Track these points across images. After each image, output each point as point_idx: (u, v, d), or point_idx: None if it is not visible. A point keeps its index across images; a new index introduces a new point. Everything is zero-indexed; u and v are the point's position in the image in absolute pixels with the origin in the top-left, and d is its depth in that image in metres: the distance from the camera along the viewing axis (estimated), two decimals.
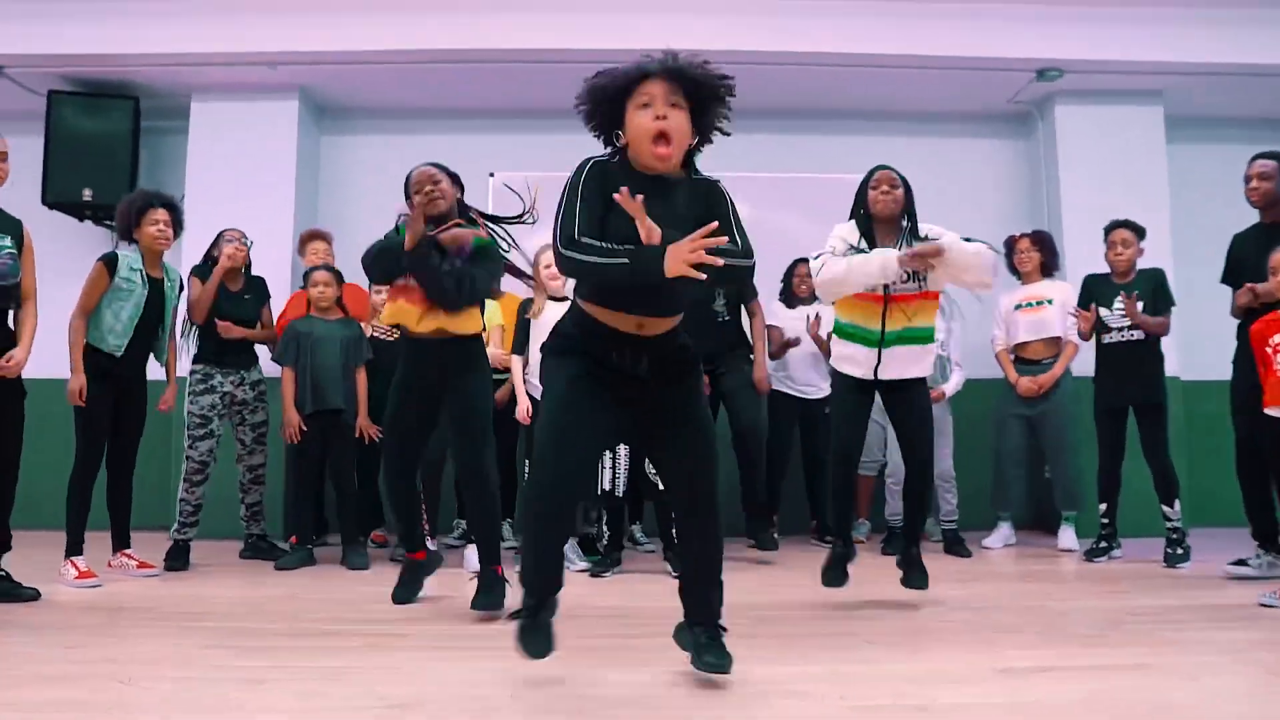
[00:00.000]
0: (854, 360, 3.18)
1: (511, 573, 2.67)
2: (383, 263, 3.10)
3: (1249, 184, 3.85)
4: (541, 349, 2.26)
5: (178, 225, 3.98)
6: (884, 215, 3.14)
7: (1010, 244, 4.90)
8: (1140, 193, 5.47)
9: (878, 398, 3.25)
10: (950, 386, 4.70)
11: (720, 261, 1.92)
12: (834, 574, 3.23)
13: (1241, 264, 3.80)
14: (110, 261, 3.78)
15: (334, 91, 5.70)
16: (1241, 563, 3.73)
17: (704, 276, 1.92)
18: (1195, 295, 4.84)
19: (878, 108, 5.91)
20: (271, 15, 5.16)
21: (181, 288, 4.11)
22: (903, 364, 3.14)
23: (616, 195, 1.97)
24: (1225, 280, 3.96)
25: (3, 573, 3.28)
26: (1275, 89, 5.48)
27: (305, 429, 4.25)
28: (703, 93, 2.11)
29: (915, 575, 3.20)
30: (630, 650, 2.58)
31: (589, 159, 2.15)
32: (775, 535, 4.47)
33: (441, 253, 3.04)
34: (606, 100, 2.13)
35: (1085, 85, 5.47)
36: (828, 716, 1.96)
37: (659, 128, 2.04)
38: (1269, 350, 3.25)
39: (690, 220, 2.05)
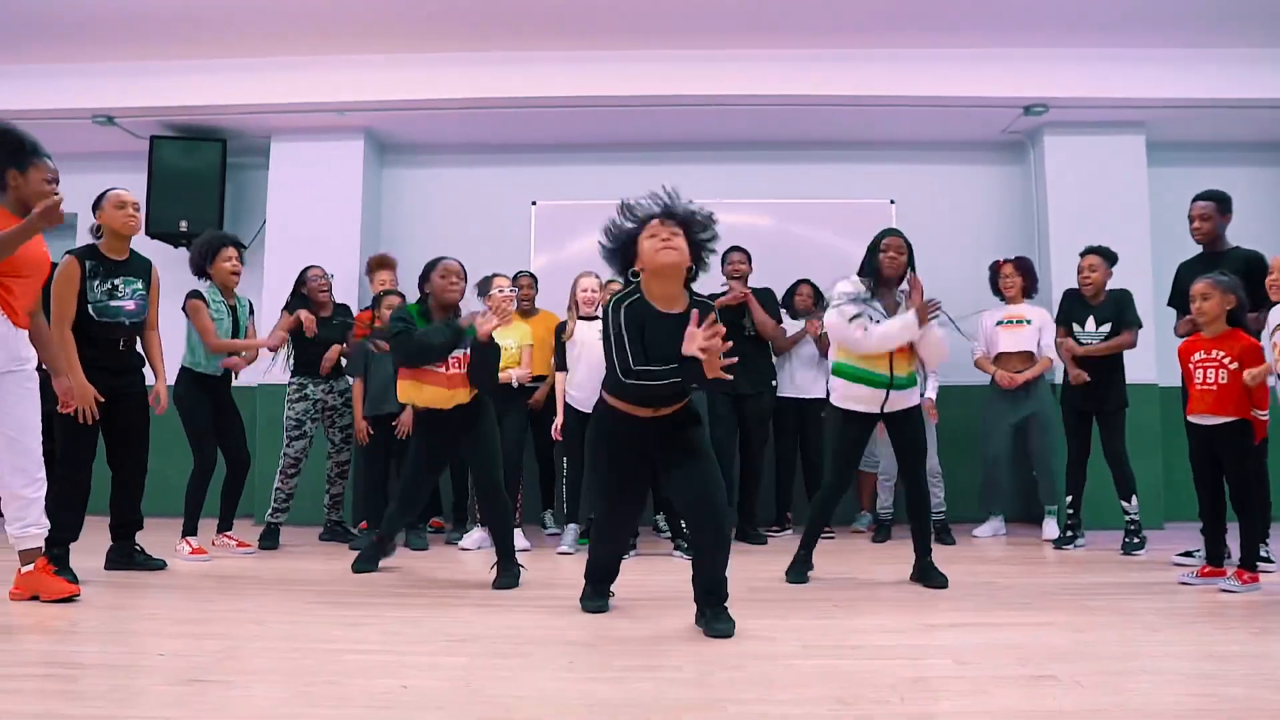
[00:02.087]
0: (860, 399, 3.74)
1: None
2: (433, 355, 3.72)
3: (1191, 223, 4.36)
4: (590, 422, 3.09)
5: (243, 260, 4.68)
6: (891, 276, 3.75)
7: (995, 268, 5.44)
8: (1123, 214, 6.00)
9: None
10: (931, 390, 5.27)
11: (733, 360, 2.69)
12: (797, 573, 3.84)
13: (1183, 289, 4.32)
14: (201, 297, 4.45)
15: (394, 131, 6.43)
16: (1188, 554, 4.25)
17: (730, 377, 2.70)
18: (1173, 311, 5.30)
19: (884, 140, 6.49)
20: (339, 70, 5.91)
21: (252, 310, 4.78)
22: (904, 399, 3.77)
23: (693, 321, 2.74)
24: (1171, 303, 4.49)
25: (138, 546, 4.03)
26: (1246, 118, 5.95)
27: (372, 431, 4.97)
28: (693, 226, 2.86)
29: (935, 578, 3.70)
30: (638, 608, 3.23)
31: (617, 303, 2.84)
32: (764, 533, 5.15)
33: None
34: (625, 238, 2.88)
35: (1071, 118, 5.99)
36: (783, 653, 2.59)
37: (664, 245, 2.78)
38: (1190, 366, 3.79)
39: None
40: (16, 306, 3.12)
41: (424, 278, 3.90)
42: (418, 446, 3.95)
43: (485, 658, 2.50)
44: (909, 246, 3.80)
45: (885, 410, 3.74)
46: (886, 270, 3.73)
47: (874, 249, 3.78)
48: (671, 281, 2.83)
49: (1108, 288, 4.92)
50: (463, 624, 2.94)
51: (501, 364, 4.86)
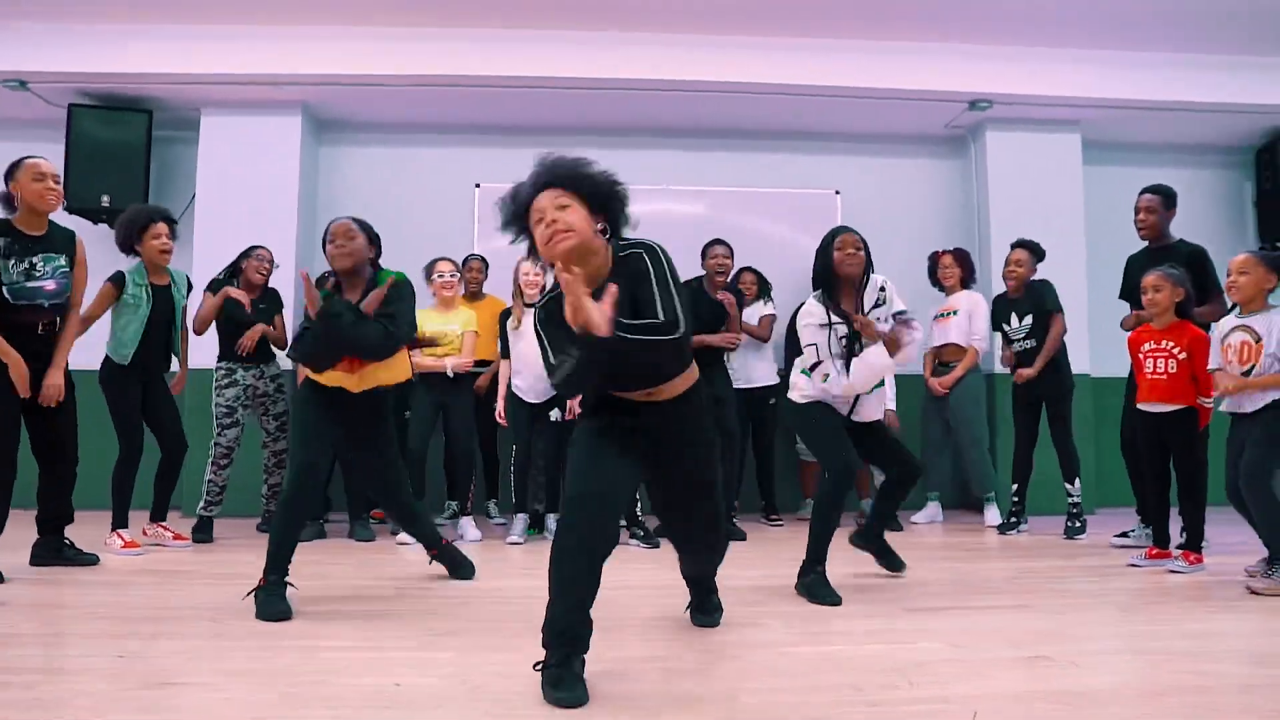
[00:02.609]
0: (832, 398, 3.33)
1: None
2: (316, 347, 3.03)
3: (1137, 215, 4.50)
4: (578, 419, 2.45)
5: (174, 236, 4.32)
6: (848, 276, 3.29)
7: (934, 258, 5.54)
8: (1059, 209, 6.18)
9: None
10: (890, 401, 5.29)
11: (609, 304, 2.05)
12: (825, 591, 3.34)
13: (1133, 283, 4.45)
14: (119, 282, 4.15)
15: (333, 108, 6.16)
16: (1124, 534, 4.41)
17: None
18: (1106, 302, 5.43)
19: (832, 130, 6.52)
20: (275, 40, 5.61)
21: (190, 287, 4.51)
22: (872, 408, 3.43)
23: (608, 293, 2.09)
24: (1122, 296, 4.62)
25: (67, 541, 3.76)
26: (1179, 120, 6.20)
27: None
28: (591, 184, 2.25)
29: (891, 559, 3.64)
30: (618, 600, 3.13)
31: (538, 307, 2.31)
32: (738, 526, 5.04)
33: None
34: (516, 228, 2.31)
35: (1012, 114, 6.13)
36: (777, 641, 2.56)
37: (550, 232, 2.16)
38: (1140, 356, 3.91)
39: (627, 299, 2.16)
40: None
41: (323, 246, 3.22)
42: (304, 416, 3.17)
43: (475, 652, 2.40)
44: (865, 244, 3.35)
45: (852, 419, 3.39)
46: (844, 270, 3.29)
47: (826, 249, 3.34)
48: (587, 258, 2.20)
49: (1031, 280, 5.02)
50: (439, 617, 2.82)
51: (441, 350, 4.77)
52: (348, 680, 2.12)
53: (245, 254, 4.86)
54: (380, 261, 3.68)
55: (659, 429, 2.32)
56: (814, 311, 3.32)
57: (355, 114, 6.25)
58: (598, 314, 2.01)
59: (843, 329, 3.29)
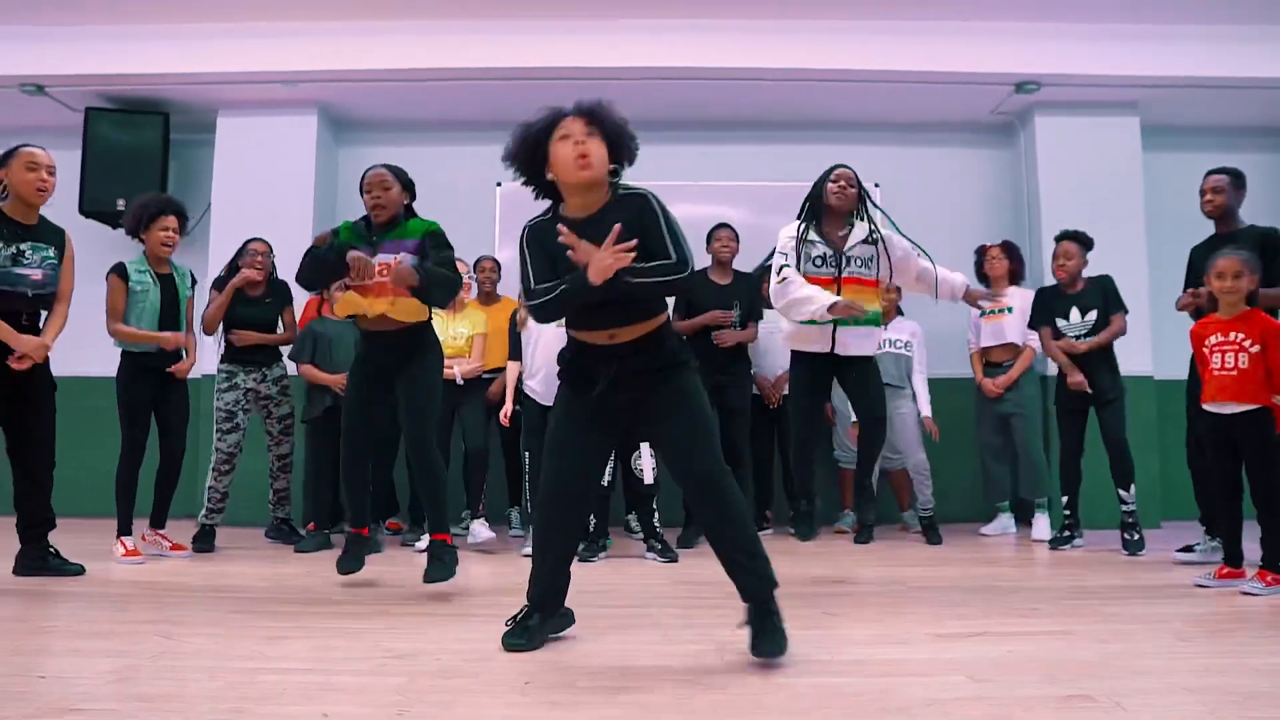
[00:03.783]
0: (810, 338, 3.52)
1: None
2: (316, 271, 3.34)
3: (1203, 197, 4.09)
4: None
5: (183, 230, 4.24)
6: (837, 208, 3.51)
7: (981, 253, 5.17)
8: (1116, 199, 5.74)
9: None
10: (925, 408, 5.07)
11: (629, 259, 2.21)
12: (804, 529, 3.64)
13: (1198, 273, 4.04)
14: (120, 271, 4.05)
15: (350, 107, 6.04)
16: (1188, 549, 3.99)
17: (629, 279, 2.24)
18: (1169, 298, 4.95)
19: (870, 119, 6.19)
20: (291, 38, 5.51)
21: (194, 281, 4.37)
22: (858, 341, 3.51)
23: (561, 238, 2.29)
24: (1187, 289, 4.20)
25: (52, 549, 3.61)
26: (1246, 99, 5.72)
27: (323, 422, 4.58)
28: (614, 127, 2.39)
29: (866, 508, 3.80)
30: (605, 619, 2.87)
31: (525, 225, 2.45)
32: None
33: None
34: (532, 141, 2.38)
35: (1063, 97, 5.72)
36: (770, 668, 2.25)
37: (579, 152, 2.30)
38: (1206, 350, 3.51)
39: (627, 234, 2.26)
40: None
41: (361, 194, 3.42)
42: (350, 374, 3.46)
43: (426, 677, 2.14)
44: (860, 183, 3.60)
45: (836, 352, 3.47)
46: (832, 201, 3.53)
47: (821, 180, 3.58)
48: (592, 191, 2.37)
49: (1085, 274, 4.62)
50: (406, 636, 2.57)
51: (449, 355, 4.56)
52: (270, 709, 1.88)
53: (241, 250, 4.72)
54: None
55: (630, 384, 2.37)
56: (790, 227, 3.58)
57: (373, 113, 6.12)
58: (609, 259, 2.20)
59: (819, 249, 3.49)
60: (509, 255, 5.55)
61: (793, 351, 3.63)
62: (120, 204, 5.62)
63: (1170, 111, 5.88)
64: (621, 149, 2.42)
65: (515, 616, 2.46)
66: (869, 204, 3.69)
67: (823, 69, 5.53)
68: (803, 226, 3.56)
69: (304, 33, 5.52)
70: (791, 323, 3.56)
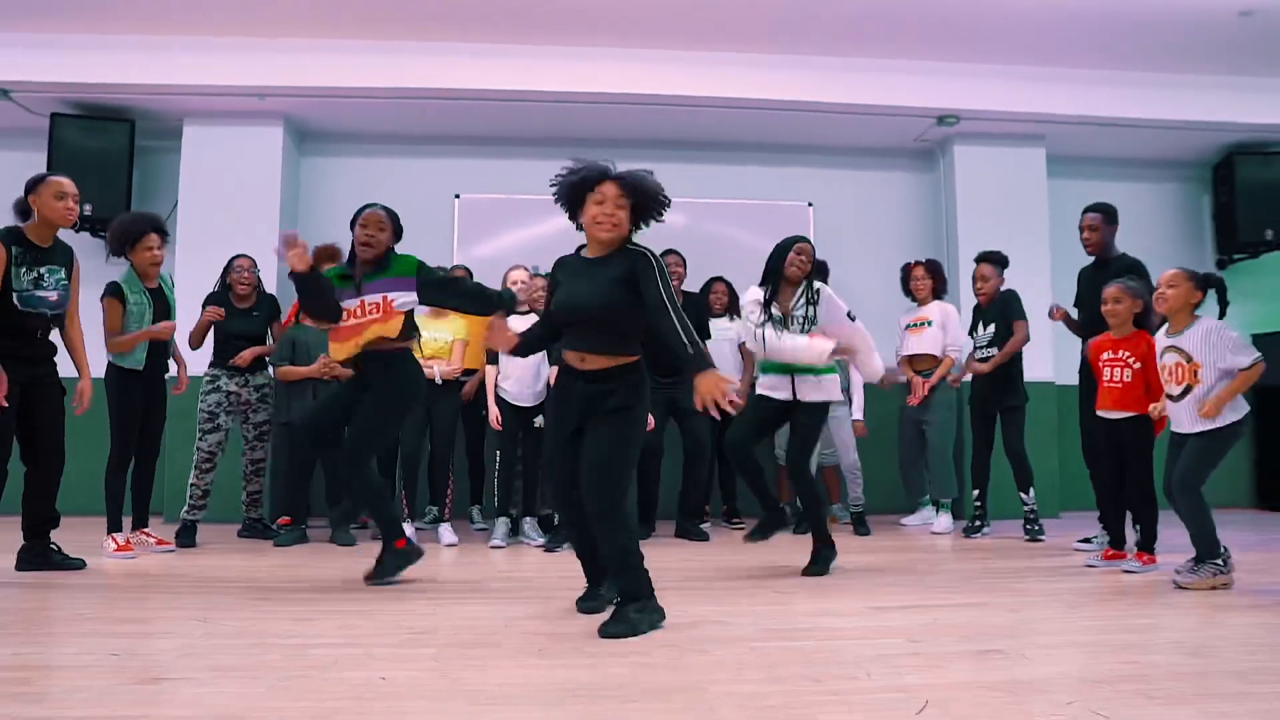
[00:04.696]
0: (773, 386, 3.93)
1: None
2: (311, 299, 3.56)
3: (1081, 233, 4.68)
4: None
5: (165, 243, 4.40)
6: (794, 278, 3.92)
7: (907, 270, 5.70)
8: (1024, 221, 6.38)
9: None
10: (858, 412, 5.58)
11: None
12: (758, 533, 4.00)
13: (1081, 293, 4.65)
14: (117, 293, 4.21)
15: (315, 119, 6.26)
16: (1087, 540, 4.57)
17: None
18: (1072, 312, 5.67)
19: (803, 143, 6.70)
20: (258, 52, 5.72)
21: (172, 285, 4.53)
22: (815, 390, 3.88)
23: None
24: (1075, 305, 4.80)
25: (54, 546, 3.83)
26: (1140, 135, 6.45)
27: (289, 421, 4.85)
28: (646, 198, 2.84)
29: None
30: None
31: (557, 261, 3.01)
32: (704, 528, 5.20)
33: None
34: (573, 191, 2.86)
35: (978, 129, 6.33)
36: (743, 636, 2.68)
37: (605, 220, 2.79)
38: (1100, 364, 4.08)
39: (615, 282, 2.75)
40: None
41: (352, 225, 3.68)
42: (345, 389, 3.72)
43: (453, 648, 2.51)
44: (814, 256, 4.00)
45: (799, 399, 3.87)
46: (791, 271, 3.92)
47: (784, 250, 3.95)
48: (608, 246, 2.84)
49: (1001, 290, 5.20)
50: (418, 617, 2.92)
51: (427, 354, 4.87)
52: (334, 675, 2.22)
53: (227, 268, 4.94)
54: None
55: (587, 398, 2.82)
56: (754, 292, 4.00)
57: (337, 125, 6.35)
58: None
59: (773, 312, 3.90)
60: (466, 261, 5.92)
61: (757, 394, 3.99)
62: (88, 209, 5.73)
63: (1073, 144, 6.55)
64: (647, 214, 2.87)
65: (611, 603, 2.87)
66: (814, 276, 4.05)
67: (763, 98, 6.01)
68: (766, 292, 3.94)
69: (271, 48, 5.74)
70: (763, 376, 3.98)
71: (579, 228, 2.92)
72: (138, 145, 6.00)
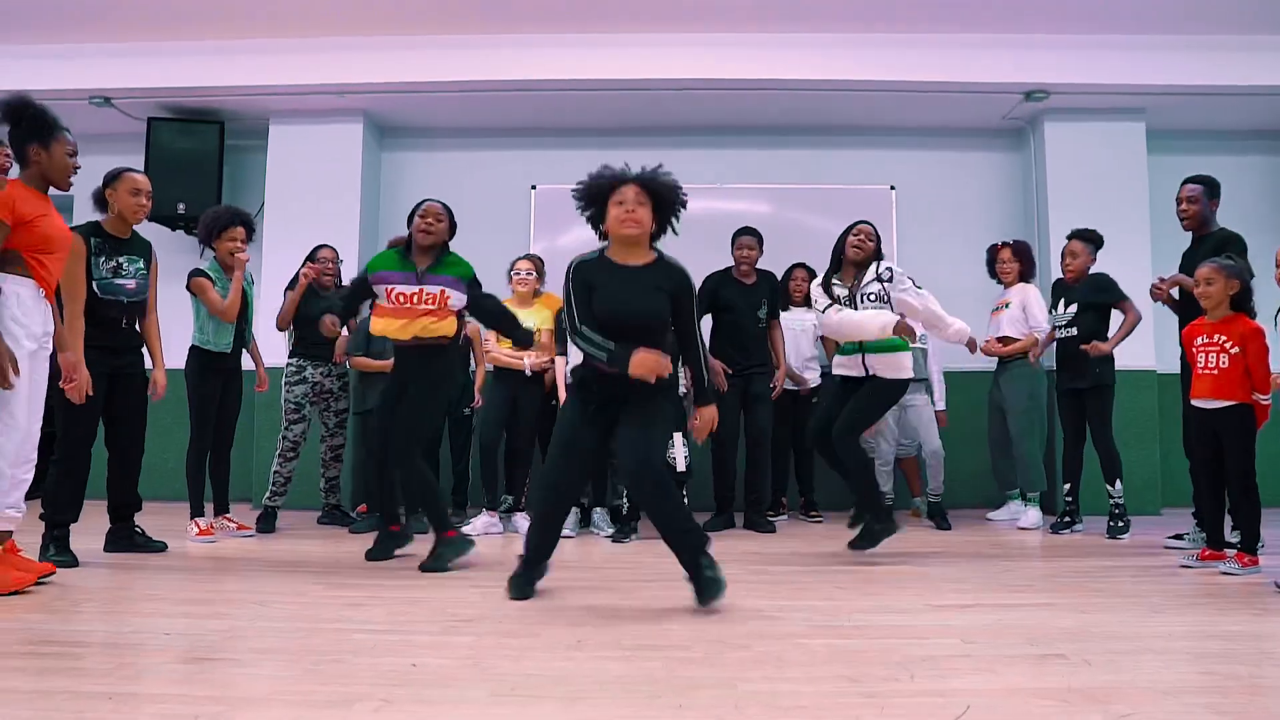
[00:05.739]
0: (844, 365, 4.03)
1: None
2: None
3: (1179, 205, 4.36)
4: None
5: (250, 239, 4.58)
6: (854, 259, 3.99)
7: (992, 252, 5.44)
8: (1122, 201, 6.01)
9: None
10: (940, 402, 5.39)
11: (666, 372, 2.87)
12: (864, 541, 3.94)
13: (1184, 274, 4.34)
14: (203, 274, 4.40)
15: (393, 114, 6.39)
16: (1178, 538, 4.28)
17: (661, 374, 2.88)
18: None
19: (885, 125, 6.48)
20: (338, 51, 5.87)
21: (252, 282, 4.70)
22: (888, 366, 3.89)
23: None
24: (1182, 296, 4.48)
25: (139, 529, 4.01)
26: (1248, 105, 5.96)
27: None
28: (663, 195, 2.95)
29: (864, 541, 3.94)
30: (643, 590, 3.23)
31: (572, 263, 3.02)
32: (772, 520, 5.11)
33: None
34: (594, 198, 2.99)
35: (1071, 104, 5.99)
36: (791, 632, 2.59)
37: (627, 217, 2.90)
38: (1194, 350, 3.80)
39: (661, 292, 2.94)
40: (50, 282, 3.13)
41: (410, 217, 3.81)
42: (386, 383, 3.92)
43: (492, 637, 2.50)
44: (878, 237, 4.06)
45: (870, 373, 3.92)
46: (850, 254, 3.99)
47: (843, 235, 4.05)
48: (633, 246, 2.96)
49: (1091, 271, 4.90)
50: (468, 605, 2.93)
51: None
52: (368, 660, 2.24)
53: (310, 257, 5.05)
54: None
55: (620, 403, 2.97)
56: (817, 280, 4.21)
57: (414, 119, 6.47)
58: (653, 364, 2.84)
59: (838, 290, 3.99)
60: (542, 251, 5.93)
61: (835, 377, 4.11)
62: (181, 208, 6.03)
63: (1174, 116, 6.13)
64: (667, 211, 2.98)
65: (517, 572, 3.08)
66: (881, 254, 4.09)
67: (843, 79, 5.81)
68: (826, 275, 4.10)
69: (350, 46, 5.88)
70: (836, 356, 4.10)
71: (602, 236, 3.05)
72: (227, 145, 6.25)
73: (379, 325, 3.72)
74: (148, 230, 5.82)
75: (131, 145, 6.07)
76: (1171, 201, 5.99)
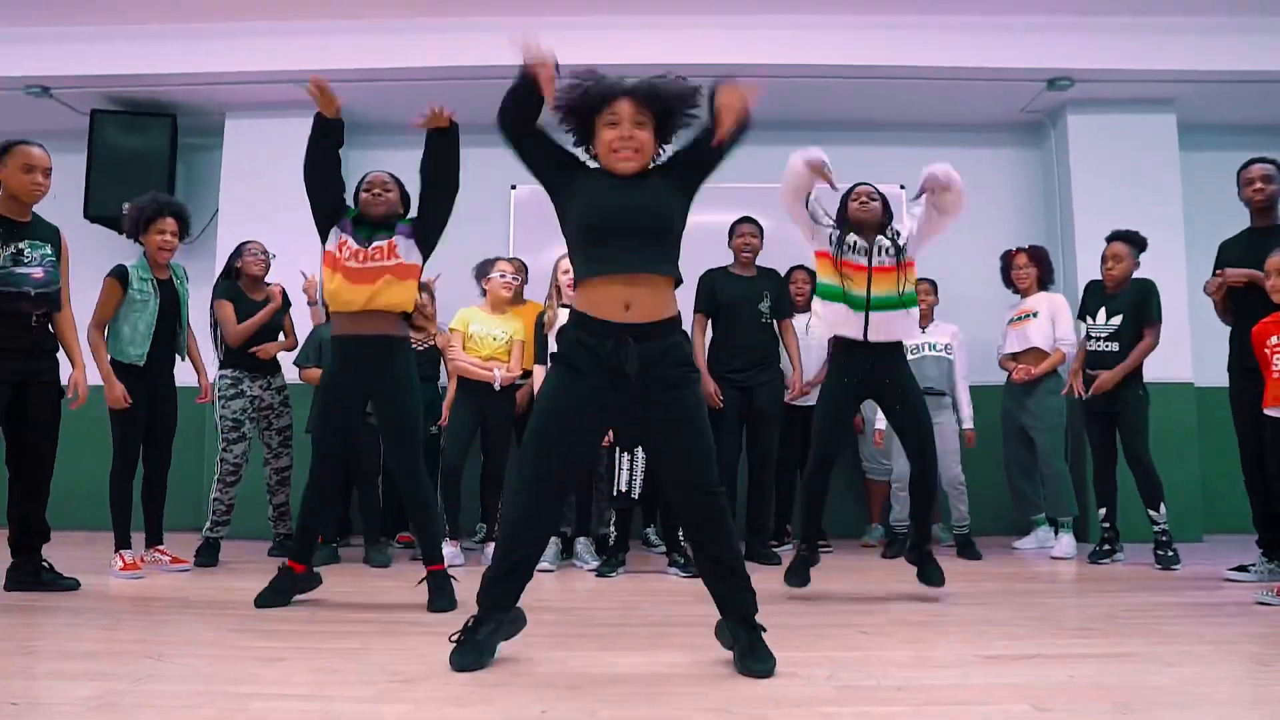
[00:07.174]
0: (844, 322, 3.37)
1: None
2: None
3: (1251, 185, 3.89)
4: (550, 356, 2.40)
5: (184, 234, 4.10)
6: (862, 220, 3.46)
7: (1007, 258, 4.98)
8: (1153, 199, 5.53)
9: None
10: (968, 421, 4.83)
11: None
12: (797, 575, 3.38)
13: (1229, 267, 3.84)
14: (121, 275, 3.90)
15: (360, 108, 5.87)
16: (1242, 569, 3.76)
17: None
18: (1209, 303, 4.84)
19: (891, 119, 6.01)
20: (299, 37, 5.37)
21: (185, 278, 4.20)
22: (889, 325, 3.33)
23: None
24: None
25: (45, 563, 3.45)
26: None
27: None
28: (669, 106, 2.33)
29: (930, 570, 3.34)
30: (629, 639, 2.69)
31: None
32: (776, 551, 4.57)
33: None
34: (581, 114, 2.35)
35: (1096, 94, 5.52)
36: (811, 695, 2.05)
37: (624, 144, 2.29)
38: (1268, 351, 3.30)
39: (675, 190, 2.34)
40: None
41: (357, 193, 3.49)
42: (324, 393, 3.37)
43: (434, 704, 1.95)
44: (882, 196, 3.57)
45: (870, 339, 3.31)
46: (857, 216, 3.49)
47: (844, 200, 3.59)
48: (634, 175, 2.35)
49: (1134, 277, 4.43)
50: (414, 657, 2.38)
51: (485, 354, 4.41)
52: None
53: (237, 252, 4.57)
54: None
55: (647, 375, 2.21)
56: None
57: (384, 113, 5.94)
58: None
59: (852, 239, 3.44)
60: (522, 255, 5.44)
61: (832, 343, 3.51)
62: (126, 208, 5.49)
63: (1208, 108, 5.67)
64: (671, 127, 2.35)
65: (465, 628, 2.26)
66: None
67: (846, 65, 5.34)
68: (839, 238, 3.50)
69: (313, 32, 5.40)
70: (826, 304, 3.44)
71: (593, 158, 2.40)
72: (180, 142, 5.75)
73: (341, 297, 3.20)
74: (88, 234, 5.38)
75: (73, 142, 5.53)
76: (1204, 202, 5.63)
